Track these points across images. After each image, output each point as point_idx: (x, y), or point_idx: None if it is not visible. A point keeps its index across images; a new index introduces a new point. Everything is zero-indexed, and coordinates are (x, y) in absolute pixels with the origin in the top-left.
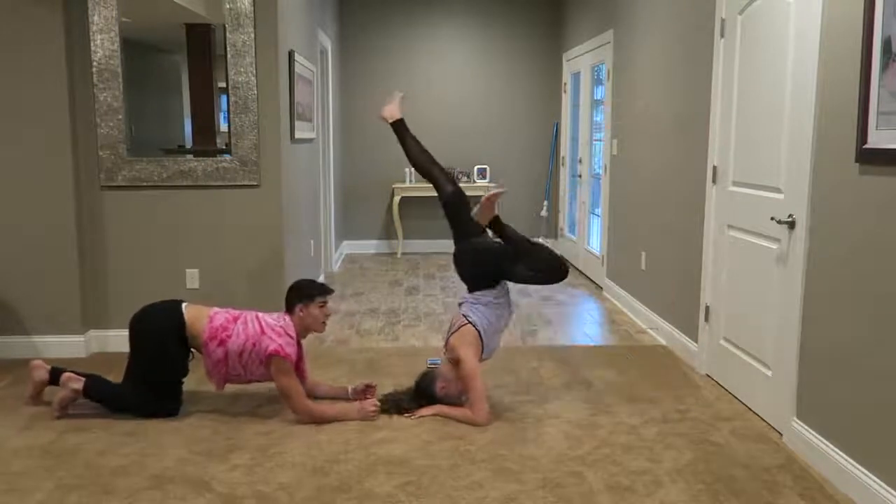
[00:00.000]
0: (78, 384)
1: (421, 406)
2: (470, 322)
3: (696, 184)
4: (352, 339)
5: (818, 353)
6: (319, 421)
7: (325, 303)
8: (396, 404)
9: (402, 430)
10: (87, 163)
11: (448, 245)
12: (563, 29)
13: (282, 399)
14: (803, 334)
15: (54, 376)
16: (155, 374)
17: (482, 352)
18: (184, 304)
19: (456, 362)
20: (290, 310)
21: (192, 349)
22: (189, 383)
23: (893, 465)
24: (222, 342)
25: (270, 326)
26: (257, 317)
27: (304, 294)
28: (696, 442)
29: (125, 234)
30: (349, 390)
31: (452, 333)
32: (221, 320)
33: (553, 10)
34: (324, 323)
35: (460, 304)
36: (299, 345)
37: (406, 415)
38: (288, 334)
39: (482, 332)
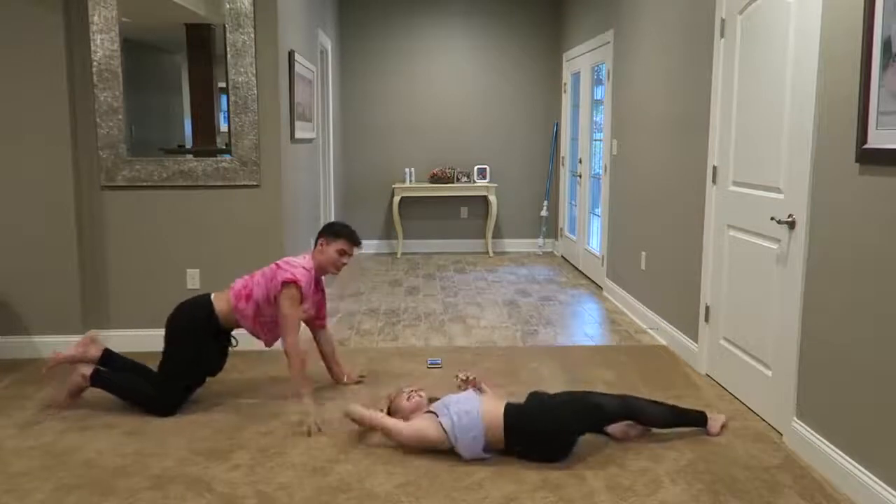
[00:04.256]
0: (87, 369)
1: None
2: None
3: (696, 184)
4: (352, 339)
5: (818, 353)
6: (291, 368)
7: (345, 250)
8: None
9: None
10: (87, 163)
11: (447, 245)
12: (563, 29)
13: (280, 326)
14: (803, 334)
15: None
16: (189, 367)
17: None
18: (212, 295)
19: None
20: (315, 243)
21: (230, 330)
22: None
23: (893, 465)
24: (248, 297)
25: (285, 260)
26: (274, 263)
27: (331, 232)
28: (696, 442)
29: (125, 234)
30: (344, 377)
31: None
32: (241, 283)
33: (553, 10)
34: (337, 267)
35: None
36: (320, 288)
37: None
38: (303, 266)
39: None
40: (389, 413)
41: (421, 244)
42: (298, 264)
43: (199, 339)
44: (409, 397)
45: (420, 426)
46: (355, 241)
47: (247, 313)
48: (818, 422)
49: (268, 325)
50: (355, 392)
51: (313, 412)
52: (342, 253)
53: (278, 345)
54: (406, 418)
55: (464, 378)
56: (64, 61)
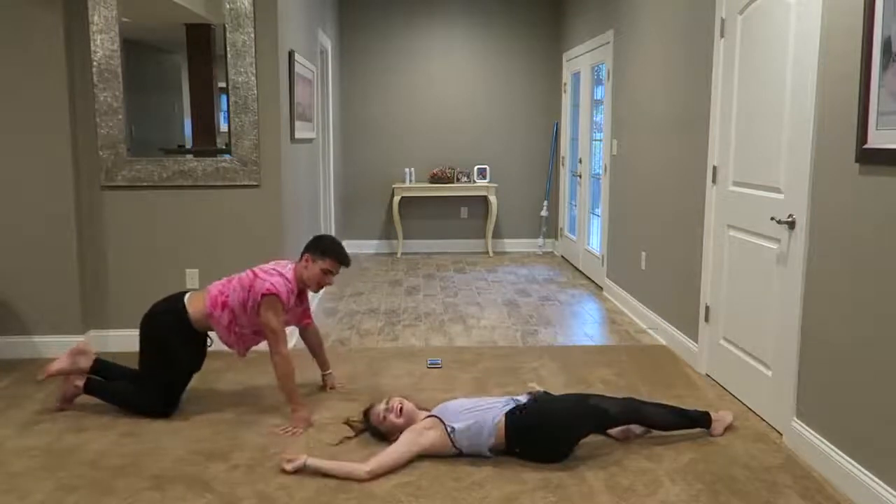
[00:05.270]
0: (80, 380)
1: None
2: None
3: (696, 184)
4: (352, 339)
5: (818, 353)
6: (282, 379)
7: (330, 270)
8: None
9: None
10: (87, 163)
11: (447, 245)
12: (563, 29)
13: (267, 338)
14: (803, 334)
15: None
16: (165, 371)
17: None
18: (186, 296)
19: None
20: (301, 256)
21: (206, 332)
22: (190, 382)
23: (893, 465)
24: (224, 305)
25: (263, 269)
26: (251, 269)
27: (319, 248)
28: (696, 442)
29: (125, 234)
30: (328, 370)
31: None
32: (218, 288)
33: (553, 10)
34: (319, 285)
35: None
36: (302, 293)
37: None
38: (282, 274)
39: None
40: (376, 430)
41: (421, 244)
42: (277, 273)
43: (171, 341)
44: (399, 412)
45: (418, 443)
46: (344, 262)
47: (222, 321)
48: (818, 422)
49: (242, 335)
50: (357, 397)
51: (305, 419)
52: (327, 272)
53: (264, 346)
54: (403, 429)
55: (538, 389)
56: (64, 61)
